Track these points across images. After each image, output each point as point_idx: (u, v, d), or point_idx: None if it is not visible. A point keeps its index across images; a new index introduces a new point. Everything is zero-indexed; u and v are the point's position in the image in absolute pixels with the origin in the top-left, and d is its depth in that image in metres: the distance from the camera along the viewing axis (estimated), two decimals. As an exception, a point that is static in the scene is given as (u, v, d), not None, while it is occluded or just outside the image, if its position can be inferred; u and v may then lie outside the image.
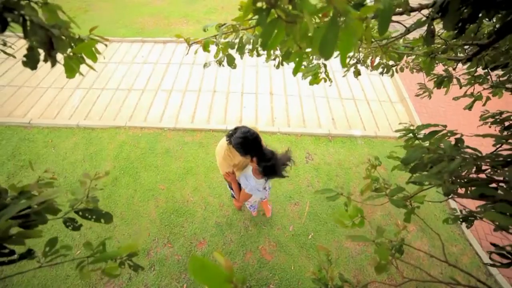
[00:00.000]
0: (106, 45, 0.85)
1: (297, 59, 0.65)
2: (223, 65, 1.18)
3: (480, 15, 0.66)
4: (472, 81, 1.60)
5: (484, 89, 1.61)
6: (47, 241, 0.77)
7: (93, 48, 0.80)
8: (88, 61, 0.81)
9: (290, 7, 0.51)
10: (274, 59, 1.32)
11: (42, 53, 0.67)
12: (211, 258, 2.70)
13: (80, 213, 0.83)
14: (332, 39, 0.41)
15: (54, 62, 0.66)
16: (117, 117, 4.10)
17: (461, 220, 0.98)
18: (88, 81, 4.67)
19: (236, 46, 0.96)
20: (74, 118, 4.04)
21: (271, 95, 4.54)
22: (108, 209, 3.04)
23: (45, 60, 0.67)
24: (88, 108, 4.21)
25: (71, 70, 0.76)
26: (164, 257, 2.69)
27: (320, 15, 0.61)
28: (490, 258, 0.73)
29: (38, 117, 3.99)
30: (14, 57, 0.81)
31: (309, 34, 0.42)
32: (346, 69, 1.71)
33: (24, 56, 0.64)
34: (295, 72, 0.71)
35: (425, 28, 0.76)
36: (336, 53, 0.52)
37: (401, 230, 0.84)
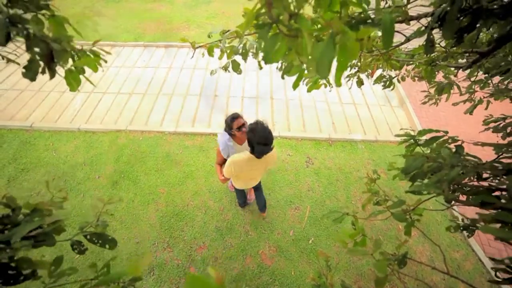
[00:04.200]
0: (106, 61, 0.86)
1: (297, 74, 0.65)
2: (228, 71, 1.20)
3: (478, 24, 0.67)
4: (472, 87, 1.61)
5: (485, 97, 1.61)
6: (53, 260, 0.76)
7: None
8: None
9: (292, 21, 0.51)
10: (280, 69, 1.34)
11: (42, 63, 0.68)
12: (211, 262, 2.68)
13: (88, 237, 0.84)
14: (328, 59, 0.41)
15: (52, 74, 0.67)
16: (118, 120, 4.12)
17: (461, 228, 0.98)
18: (90, 85, 4.70)
19: (240, 51, 0.98)
20: (76, 121, 4.06)
21: (271, 99, 4.56)
22: (108, 212, 3.03)
23: (43, 72, 0.67)
24: (89, 112, 4.23)
25: (72, 85, 0.77)
26: (164, 262, 2.67)
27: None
28: (496, 276, 0.72)
29: (40, 120, 4.01)
30: (18, 64, 0.83)
31: (308, 54, 0.42)
32: (348, 79, 1.73)
33: (24, 67, 0.65)
34: (294, 86, 0.72)
35: (425, 37, 0.77)
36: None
37: (402, 243, 0.83)
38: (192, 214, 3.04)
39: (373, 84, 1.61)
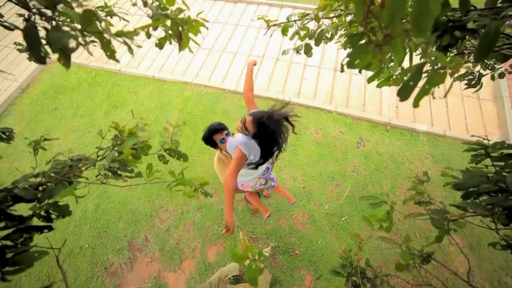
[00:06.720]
0: (207, 28, 1.03)
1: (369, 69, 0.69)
2: (300, 53, 1.24)
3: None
4: None
5: None
6: (146, 166, 1.08)
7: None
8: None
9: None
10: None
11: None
12: (249, 215, 3.06)
13: (167, 151, 1.14)
14: (412, 86, 0.46)
15: (183, 46, 0.87)
16: (186, 73, 4.50)
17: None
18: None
19: (315, 36, 1.00)
20: (151, 69, 4.58)
21: (334, 71, 4.31)
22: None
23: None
24: (162, 62, 4.69)
25: (185, 44, 0.98)
26: (210, 204, 3.16)
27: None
28: None
29: (125, 66, 4.66)
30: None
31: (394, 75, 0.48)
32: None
33: (158, 40, 0.85)
34: (370, 80, 0.76)
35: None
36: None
37: (430, 244, 0.88)
38: (239, 170, 3.38)
39: (454, 81, 1.43)
